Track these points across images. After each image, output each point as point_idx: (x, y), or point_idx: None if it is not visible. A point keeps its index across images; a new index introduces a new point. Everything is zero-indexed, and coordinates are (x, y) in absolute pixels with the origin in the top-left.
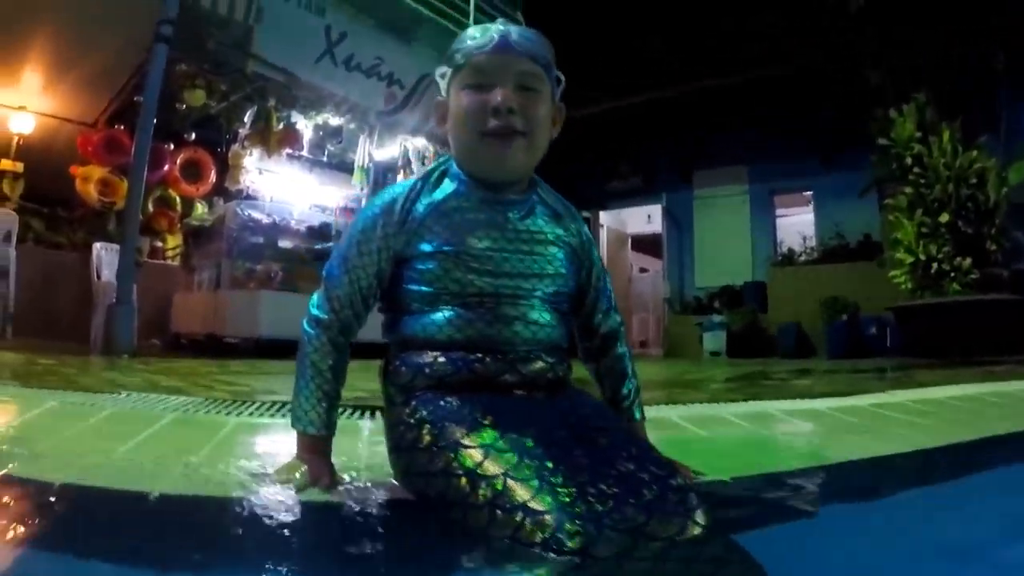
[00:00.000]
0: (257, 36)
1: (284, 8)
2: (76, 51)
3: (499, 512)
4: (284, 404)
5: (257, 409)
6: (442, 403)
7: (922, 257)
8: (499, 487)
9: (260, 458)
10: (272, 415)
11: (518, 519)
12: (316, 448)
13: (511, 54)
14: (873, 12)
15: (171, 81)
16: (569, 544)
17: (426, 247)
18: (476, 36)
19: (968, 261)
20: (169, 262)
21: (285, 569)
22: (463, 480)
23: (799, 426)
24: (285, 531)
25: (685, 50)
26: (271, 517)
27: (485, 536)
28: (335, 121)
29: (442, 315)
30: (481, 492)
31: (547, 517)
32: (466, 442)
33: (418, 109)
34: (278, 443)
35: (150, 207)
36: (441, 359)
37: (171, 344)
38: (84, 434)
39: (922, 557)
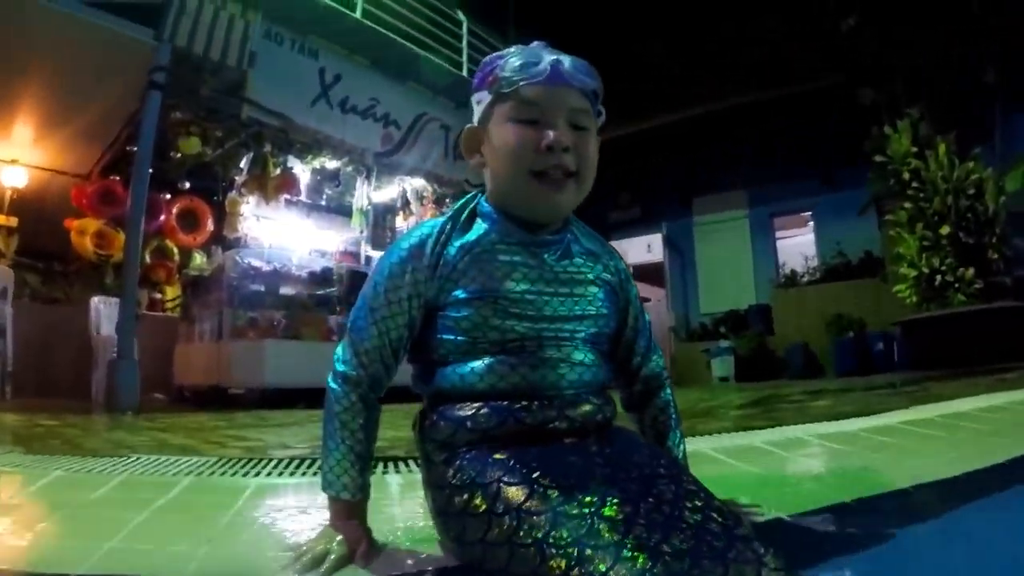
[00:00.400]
0: (251, 81)
1: (277, 52)
2: (69, 102)
3: None
4: (302, 461)
5: (275, 467)
6: (491, 461)
7: (925, 270)
8: (574, 556)
9: (288, 527)
10: (292, 473)
11: None
12: (351, 514)
13: (563, 87)
14: (864, 30)
15: (165, 129)
16: None
17: (461, 294)
18: (522, 61)
19: (971, 271)
20: (169, 313)
21: None
22: (531, 551)
23: (837, 450)
24: None
25: (680, 78)
26: None
27: None
28: (332, 164)
29: (481, 363)
30: (554, 563)
31: None
32: (528, 507)
33: (415, 149)
34: (304, 507)
35: (147, 258)
36: (484, 410)
37: (175, 397)
38: (93, 507)
39: None
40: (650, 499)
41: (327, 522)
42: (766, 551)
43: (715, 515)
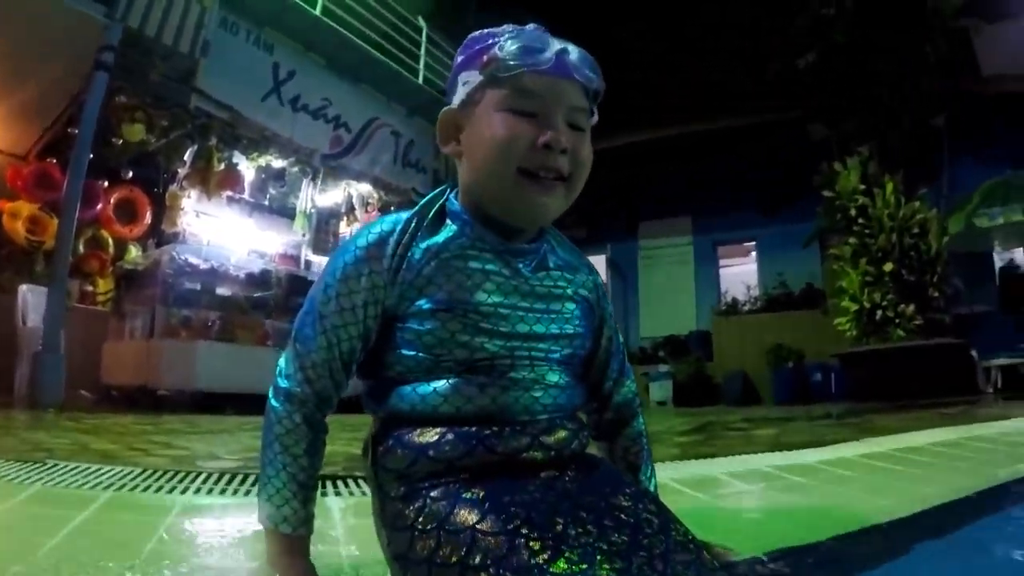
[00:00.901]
0: (202, 70)
1: (232, 43)
2: (9, 77)
3: None
4: (234, 476)
5: (204, 483)
6: (461, 501)
7: (867, 305)
8: None
9: (219, 558)
10: (223, 491)
11: None
12: (292, 549)
13: (567, 80)
14: (820, 69)
15: (109, 113)
16: None
17: (425, 304)
18: (525, 45)
19: (911, 308)
20: (100, 307)
21: None
22: None
23: (798, 483)
24: None
25: (630, 103)
26: None
27: None
28: (278, 163)
29: (446, 382)
30: None
31: None
32: (511, 562)
33: (364, 153)
34: (237, 533)
35: (81, 248)
36: (448, 436)
37: (101, 396)
38: (4, 523)
39: None
40: (642, 552)
41: (264, 558)
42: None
43: (698, 557)
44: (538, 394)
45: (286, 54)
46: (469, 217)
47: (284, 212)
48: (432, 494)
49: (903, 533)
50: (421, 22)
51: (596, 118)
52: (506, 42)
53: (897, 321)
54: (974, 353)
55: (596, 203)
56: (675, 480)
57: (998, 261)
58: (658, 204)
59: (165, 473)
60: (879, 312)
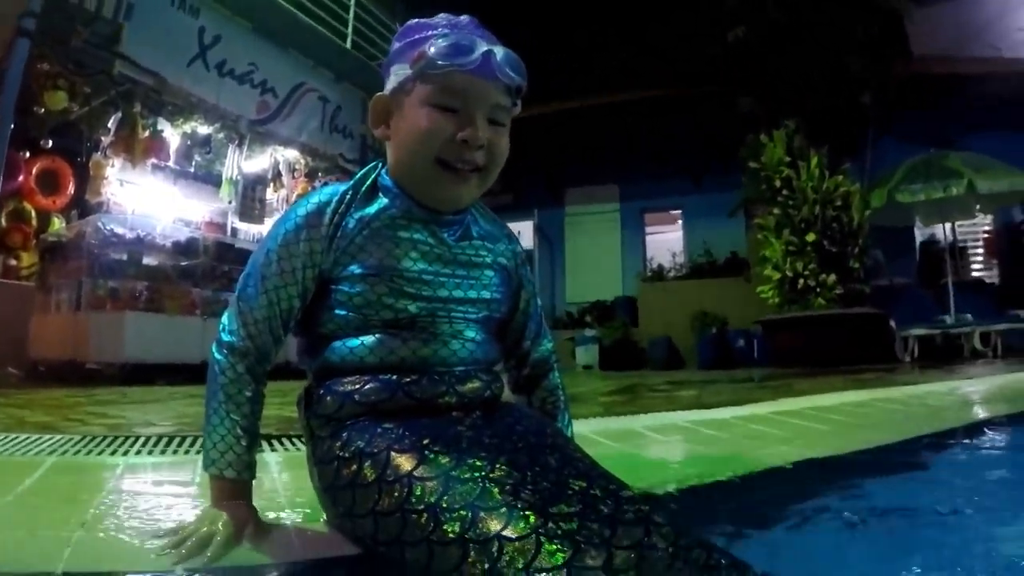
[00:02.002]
0: (126, 35)
1: (156, 6)
2: None
3: (473, 545)
4: (171, 439)
5: (143, 445)
6: (379, 431)
7: (789, 274)
8: (467, 519)
9: (166, 507)
10: (163, 452)
11: (495, 549)
12: (237, 493)
13: (492, 80)
14: (750, 42)
15: (30, 81)
16: (551, 563)
17: (357, 269)
18: (454, 44)
19: (832, 277)
20: (24, 282)
21: None
22: (423, 517)
23: (712, 435)
24: None
25: (557, 70)
26: None
27: (459, 573)
28: (204, 130)
29: (372, 337)
30: (448, 527)
31: (525, 542)
32: (419, 473)
33: (291, 119)
34: (182, 486)
35: (3, 221)
36: (372, 383)
37: (29, 372)
38: None
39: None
40: (537, 467)
41: (210, 502)
42: (652, 510)
43: (600, 481)
44: (455, 347)
45: (212, 18)
46: (399, 191)
47: (210, 179)
48: (354, 428)
49: (805, 475)
50: None
51: (518, 109)
52: (438, 40)
53: (818, 290)
54: (893, 323)
55: (523, 170)
56: (597, 433)
57: (919, 236)
58: (585, 171)
59: (105, 439)
60: (801, 281)
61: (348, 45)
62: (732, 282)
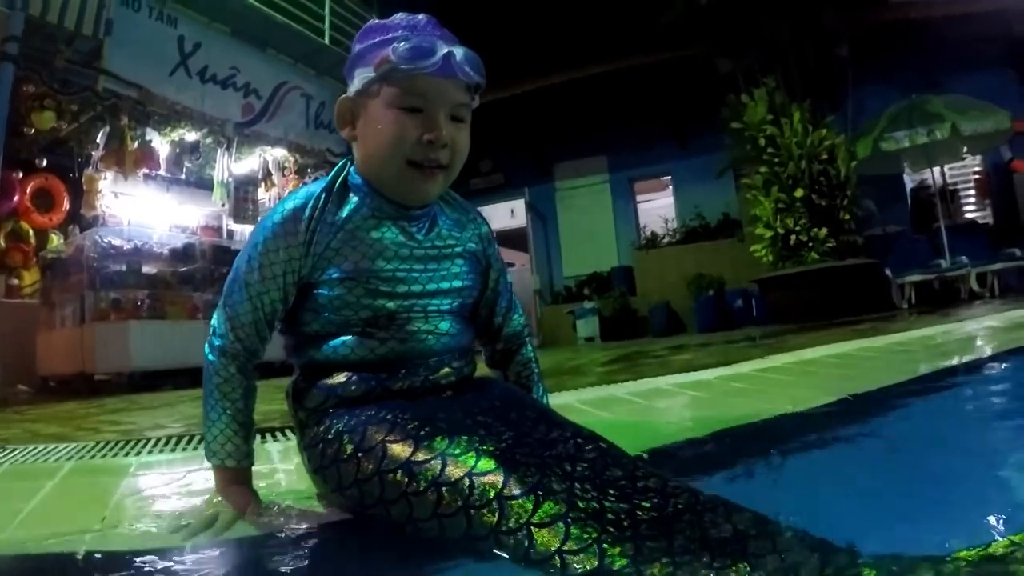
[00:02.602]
0: (107, 51)
1: (134, 20)
2: None
3: (445, 488)
4: (180, 438)
5: (154, 446)
6: (357, 412)
7: (780, 231)
8: (438, 467)
9: (176, 498)
10: (173, 450)
11: (466, 486)
12: (237, 480)
13: (452, 80)
14: (722, 3)
15: (18, 103)
16: (521, 493)
17: (334, 272)
18: (415, 47)
19: (824, 231)
20: (27, 300)
21: None
22: (398, 474)
23: (694, 396)
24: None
25: (537, 45)
26: (208, 554)
27: (437, 521)
28: (191, 136)
29: (352, 337)
30: (421, 478)
31: (494, 476)
32: (391, 439)
33: (277, 119)
34: (188, 479)
35: (1, 242)
36: (353, 379)
37: (39, 388)
38: None
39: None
40: (504, 424)
41: (214, 489)
42: (636, 455)
43: (568, 431)
44: (431, 342)
45: (190, 27)
46: (368, 189)
47: (202, 184)
48: (335, 415)
49: (780, 429)
50: None
51: (477, 103)
52: (399, 43)
53: (811, 245)
54: (888, 271)
55: (511, 149)
56: (580, 401)
57: (909, 183)
58: (572, 145)
59: (118, 443)
60: (793, 237)
61: (327, 41)
62: (726, 243)
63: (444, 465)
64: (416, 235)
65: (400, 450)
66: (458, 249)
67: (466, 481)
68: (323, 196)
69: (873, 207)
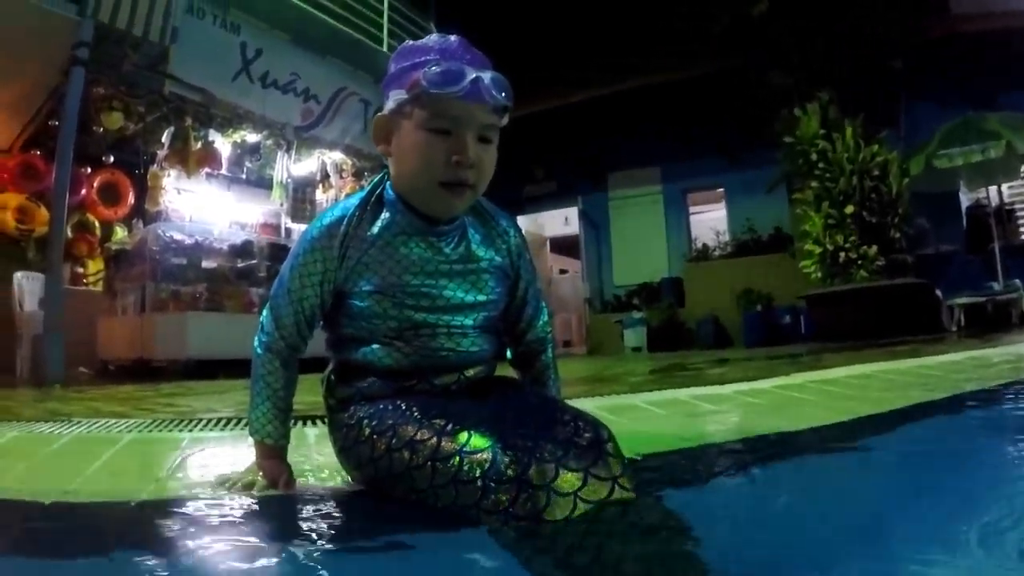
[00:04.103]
0: (173, 56)
1: (199, 27)
2: None
3: (438, 463)
4: (230, 420)
5: (206, 426)
6: (377, 402)
7: (829, 247)
8: (433, 445)
9: (222, 467)
10: (222, 430)
11: (456, 462)
12: (274, 454)
13: (479, 102)
14: (776, 16)
15: (88, 104)
16: (507, 472)
17: (365, 285)
18: (445, 72)
19: (874, 249)
20: (91, 288)
21: (270, 546)
22: (404, 452)
23: (710, 409)
24: (263, 519)
25: (595, 56)
26: (244, 509)
27: (432, 492)
28: (253, 138)
29: (380, 346)
30: (420, 454)
31: (482, 455)
32: (400, 422)
33: (335, 123)
34: (235, 451)
35: (69, 232)
36: (378, 383)
37: (99, 371)
38: (54, 458)
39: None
40: (502, 405)
41: (254, 462)
42: (609, 439)
43: (564, 414)
44: (452, 358)
45: (252, 33)
46: (401, 206)
47: (261, 184)
48: (360, 404)
49: (788, 445)
50: None
51: (506, 121)
52: (430, 67)
53: (860, 262)
54: (939, 292)
55: (566, 158)
56: (598, 407)
57: (964, 201)
58: (626, 155)
59: (173, 421)
60: (842, 254)
61: (385, 48)
62: (777, 258)
63: (439, 444)
64: (444, 250)
65: (406, 431)
66: (484, 264)
67: (456, 458)
68: (357, 212)
69: (926, 225)
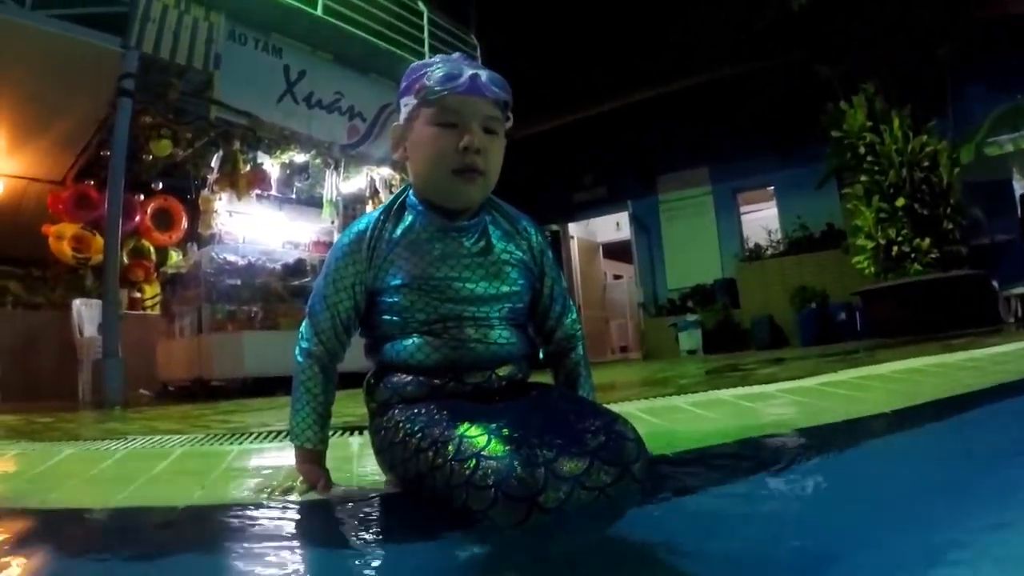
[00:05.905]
0: (218, 82)
1: (242, 52)
2: (42, 113)
3: (455, 464)
4: (279, 433)
5: (256, 438)
6: (412, 406)
7: (882, 241)
8: (454, 446)
9: (265, 475)
10: (270, 442)
11: (471, 466)
12: (313, 459)
13: (479, 96)
14: (816, 8)
15: (137, 133)
16: (517, 488)
17: (393, 281)
18: (446, 73)
19: (927, 241)
20: (148, 311)
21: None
22: (430, 453)
23: (750, 408)
24: (303, 521)
25: (639, 59)
26: (285, 512)
27: (449, 491)
28: (300, 158)
29: (412, 341)
30: (442, 455)
31: (497, 463)
32: (428, 425)
33: (381, 140)
34: (279, 460)
35: (125, 259)
36: (413, 382)
37: (159, 393)
38: (109, 471)
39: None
40: (533, 410)
41: (294, 466)
42: (638, 454)
43: (593, 416)
44: (480, 350)
45: (295, 55)
46: (422, 207)
47: (312, 202)
48: (396, 407)
49: (820, 439)
50: (422, 6)
51: (511, 122)
52: (432, 73)
53: (913, 256)
54: (995, 283)
55: (614, 163)
56: (639, 410)
57: (1018, 189)
58: (674, 157)
59: (225, 435)
60: (895, 248)
61: None
62: (830, 254)
63: (460, 447)
64: (465, 244)
65: (433, 433)
66: (505, 257)
67: (473, 461)
68: (382, 218)
69: (980, 215)
